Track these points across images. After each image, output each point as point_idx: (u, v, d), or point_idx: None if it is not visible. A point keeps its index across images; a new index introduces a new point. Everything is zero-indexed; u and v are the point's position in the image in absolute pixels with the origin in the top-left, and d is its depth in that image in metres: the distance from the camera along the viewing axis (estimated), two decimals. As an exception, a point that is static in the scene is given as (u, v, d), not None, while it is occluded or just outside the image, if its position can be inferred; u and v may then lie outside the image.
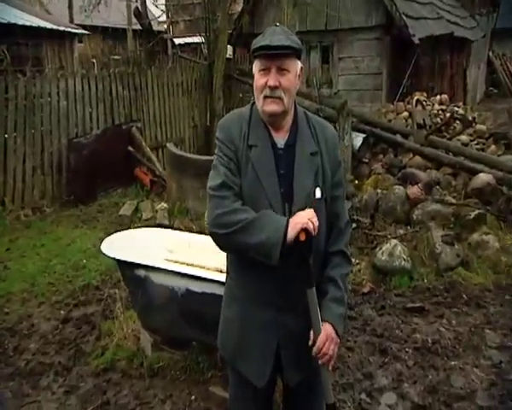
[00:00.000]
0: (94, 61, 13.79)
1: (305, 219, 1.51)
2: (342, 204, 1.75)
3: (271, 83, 1.57)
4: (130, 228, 5.03)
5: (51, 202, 6.45)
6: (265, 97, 1.59)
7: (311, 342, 1.59)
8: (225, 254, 1.76)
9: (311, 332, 1.60)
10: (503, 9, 16.91)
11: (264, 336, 1.68)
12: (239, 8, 10.58)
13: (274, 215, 1.56)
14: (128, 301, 3.65)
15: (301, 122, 1.69)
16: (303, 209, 1.58)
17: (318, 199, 1.63)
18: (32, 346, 3.46)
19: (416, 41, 7.70)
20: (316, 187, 1.63)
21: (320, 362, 1.60)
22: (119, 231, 4.10)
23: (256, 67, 1.62)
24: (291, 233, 1.50)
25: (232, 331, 1.76)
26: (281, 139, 1.65)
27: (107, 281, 4.35)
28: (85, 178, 6.40)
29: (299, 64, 1.63)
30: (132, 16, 14.68)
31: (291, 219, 1.53)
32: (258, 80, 1.60)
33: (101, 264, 4.66)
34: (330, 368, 1.65)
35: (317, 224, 1.53)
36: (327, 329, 1.60)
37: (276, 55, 1.56)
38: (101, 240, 5.02)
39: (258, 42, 1.60)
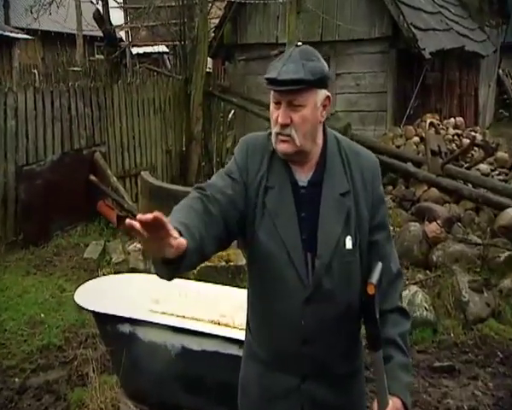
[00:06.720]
0: (35, 71, 13.82)
1: None
2: (390, 250, 1.72)
3: (280, 120, 1.60)
4: (98, 274, 5.01)
5: (-5, 243, 6.35)
6: (277, 134, 1.63)
7: None
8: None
9: (375, 404, 1.59)
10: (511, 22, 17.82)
11: (285, 405, 1.71)
12: (219, 12, 10.86)
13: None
14: (102, 363, 3.63)
15: (331, 154, 1.68)
16: (329, 263, 1.59)
17: (349, 251, 1.62)
18: (-20, 424, 3.39)
19: (427, 55, 8.08)
20: (347, 235, 1.62)
21: None
22: (85, 278, 4.12)
23: (271, 95, 1.65)
24: None
25: (250, 397, 1.80)
26: (303, 176, 1.66)
27: (72, 339, 4.29)
28: (38, 214, 6.33)
29: (320, 94, 1.61)
30: (84, 21, 14.79)
31: None
32: (273, 113, 1.64)
33: (62, 319, 4.60)
34: None
35: None
36: (396, 404, 1.57)
37: (284, 91, 1.58)
38: (62, 289, 5.10)
39: (269, 70, 1.61)
